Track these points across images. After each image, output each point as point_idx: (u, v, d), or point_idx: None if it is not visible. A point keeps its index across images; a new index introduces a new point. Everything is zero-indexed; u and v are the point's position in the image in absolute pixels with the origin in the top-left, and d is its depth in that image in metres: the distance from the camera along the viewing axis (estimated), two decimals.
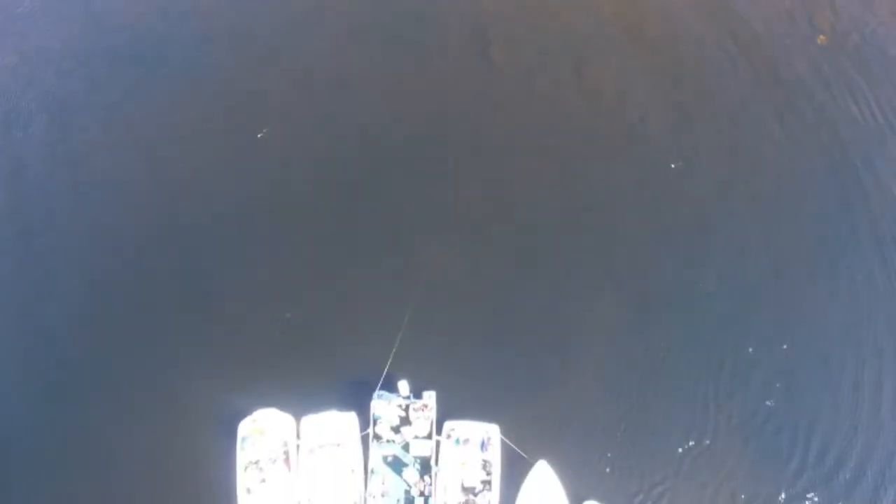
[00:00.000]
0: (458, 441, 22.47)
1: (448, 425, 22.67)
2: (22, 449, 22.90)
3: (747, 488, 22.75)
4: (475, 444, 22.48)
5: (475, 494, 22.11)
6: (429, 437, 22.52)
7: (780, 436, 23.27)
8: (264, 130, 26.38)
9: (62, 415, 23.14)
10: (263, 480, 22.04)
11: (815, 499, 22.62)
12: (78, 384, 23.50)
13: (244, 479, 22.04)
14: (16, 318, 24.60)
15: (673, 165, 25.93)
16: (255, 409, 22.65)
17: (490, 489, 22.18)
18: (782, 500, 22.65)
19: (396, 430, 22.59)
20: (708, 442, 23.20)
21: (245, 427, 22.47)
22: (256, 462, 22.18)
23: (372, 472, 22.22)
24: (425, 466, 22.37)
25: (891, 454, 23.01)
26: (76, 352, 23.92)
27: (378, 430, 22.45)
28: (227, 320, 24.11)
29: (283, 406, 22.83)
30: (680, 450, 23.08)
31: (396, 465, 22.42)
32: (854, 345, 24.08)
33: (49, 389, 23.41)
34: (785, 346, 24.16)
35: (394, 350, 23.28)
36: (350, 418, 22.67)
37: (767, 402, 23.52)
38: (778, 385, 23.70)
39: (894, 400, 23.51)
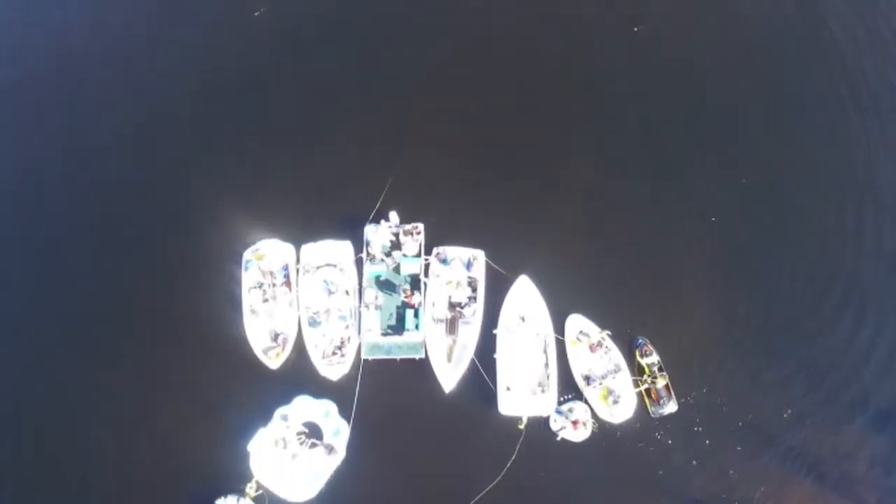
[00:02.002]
0: (445, 261, 24.40)
1: (436, 249, 24.60)
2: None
3: (734, 313, 24.64)
4: (461, 263, 24.41)
5: (461, 308, 23.98)
6: (418, 256, 24.46)
7: (766, 262, 25.19)
8: (262, 9, 28.62)
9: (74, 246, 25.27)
10: (266, 300, 23.90)
11: (804, 323, 24.51)
12: (93, 220, 25.61)
13: (248, 300, 23.90)
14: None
15: (636, 29, 28.26)
16: (258, 241, 24.66)
17: (476, 302, 24.07)
18: (771, 326, 24.52)
19: (388, 253, 24.52)
20: (692, 269, 25.14)
21: (249, 253, 24.41)
22: (260, 285, 24.03)
23: (365, 286, 24.16)
24: (415, 283, 24.26)
25: (867, 285, 24.96)
26: (88, 186, 26.04)
27: (370, 251, 24.37)
28: (232, 164, 26.12)
29: (283, 237, 24.81)
30: (661, 272, 25.06)
31: (388, 283, 24.37)
32: (834, 182, 26.22)
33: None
34: (744, 181, 26.26)
35: (386, 188, 25.29)
36: (345, 245, 24.60)
37: (750, 230, 25.55)
38: (761, 216, 25.73)
39: (873, 234, 25.54)
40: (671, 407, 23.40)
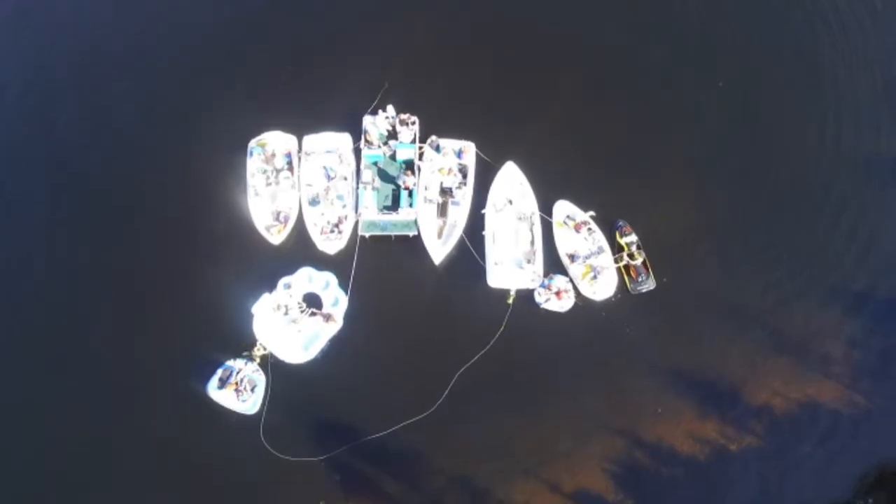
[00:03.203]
0: (438, 149, 25.98)
1: (430, 138, 26.14)
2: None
3: (715, 200, 26.18)
4: (452, 152, 26.02)
5: (452, 193, 25.57)
6: (413, 143, 26.04)
7: (747, 153, 26.73)
8: None
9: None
10: (269, 184, 25.52)
11: (783, 211, 25.93)
12: (112, 112, 27.25)
13: (252, 183, 25.51)
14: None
15: None
16: (263, 132, 26.24)
17: (465, 186, 25.67)
18: (750, 213, 25.94)
19: (385, 141, 26.14)
20: (674, 159, 26.69)
21: (253, 142, 26.01)
22: (264, 171, 25.67)
23: (363, 168, 25.77)
24: (410, 167, 25.82)
25: (846, 178, 26.41)
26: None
27: (368, 138, 25.98)
28: (239, 63, 27.84)
29: (286, 129, 26.33)
30: (643, 162, 26.50)
31: (384, 170, 25.96)
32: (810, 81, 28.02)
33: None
34: (721, 83, 27.94)
35: (384, 86, 26.86)
36: (344, 136, 26.20)
37: (729, 137, 27.03)
38: (741, 120, 27.31)
39: (850, 134, 27.15)
40: (649, 284, 24.86)
